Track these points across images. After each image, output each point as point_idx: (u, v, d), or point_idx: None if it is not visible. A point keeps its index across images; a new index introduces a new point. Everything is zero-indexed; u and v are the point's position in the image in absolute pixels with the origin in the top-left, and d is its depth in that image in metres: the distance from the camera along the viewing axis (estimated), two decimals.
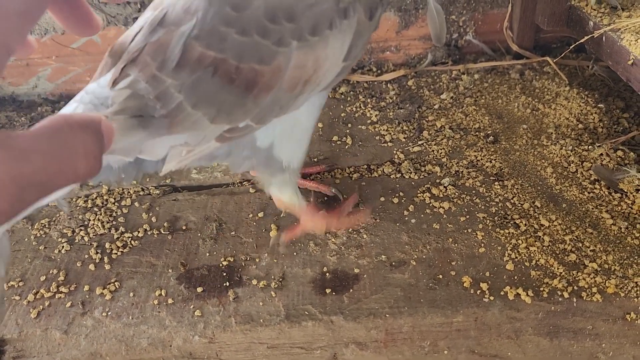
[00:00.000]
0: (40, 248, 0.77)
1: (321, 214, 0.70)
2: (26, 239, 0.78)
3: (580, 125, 0.90)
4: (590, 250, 0.70)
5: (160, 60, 0.49)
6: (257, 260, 0.73)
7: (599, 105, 0.93)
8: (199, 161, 0.60)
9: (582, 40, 0.78)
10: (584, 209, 0.76)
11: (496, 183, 0.81)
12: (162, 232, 0.78)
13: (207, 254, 0.74)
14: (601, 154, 0.83)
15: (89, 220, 0.80)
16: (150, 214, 0.81)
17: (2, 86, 1.10)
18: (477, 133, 0.91)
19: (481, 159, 0.86)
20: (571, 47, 0.87)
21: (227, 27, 0.48)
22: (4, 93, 1.11)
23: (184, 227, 0.78)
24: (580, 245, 0.71)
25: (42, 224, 0.80)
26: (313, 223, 0.70)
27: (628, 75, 0.72)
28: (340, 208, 0.73)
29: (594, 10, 0.81)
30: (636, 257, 0.69)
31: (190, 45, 0.48)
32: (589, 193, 0.78)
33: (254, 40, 0.48)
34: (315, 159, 0.89)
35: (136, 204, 0.83)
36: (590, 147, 0.85)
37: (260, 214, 0.79)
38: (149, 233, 0.78)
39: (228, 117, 0.51)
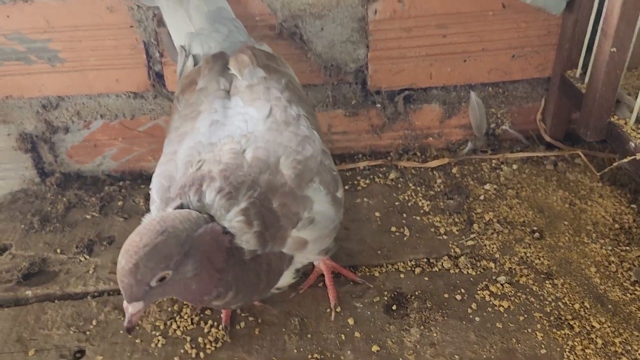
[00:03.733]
0: (136, 341, 0.83)
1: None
2: (120, 331, 0.84)
3: (616, 225, 1.00)
4: (639, 354, 0.80)
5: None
6: (341, 357, 0.80)
7: (631, 206, 1.03)
8: None
9: (624, 160, 0.88)
10: (628, 310, 0.86)
11: (547, 281, 0.91)
12: (249, 325, 0.85)
13: (295, 351, 0.81)
14: (638, 256, 0.93)
15: (178, 313, 0.87)
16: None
17: (68, 163, 1.16)
18: (522, 227, 1.00)
19: (530, 256, 0.95)
20: (614, 165, 0.97)
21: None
22: (69, 169, 1.17)
23: (268, 322, 0.86)
24: (629, 348, 0.81)
25: None
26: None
27: None
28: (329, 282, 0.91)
29: (633, 130, 0.91)
30: None
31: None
32: (631, 294, 0.88)
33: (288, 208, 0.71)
34: (379, 251, 0.97)
35: None
36: (627, 247, 0.95)
37: (338, 309, 0.87)
38: (237, 327, 0.85)
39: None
